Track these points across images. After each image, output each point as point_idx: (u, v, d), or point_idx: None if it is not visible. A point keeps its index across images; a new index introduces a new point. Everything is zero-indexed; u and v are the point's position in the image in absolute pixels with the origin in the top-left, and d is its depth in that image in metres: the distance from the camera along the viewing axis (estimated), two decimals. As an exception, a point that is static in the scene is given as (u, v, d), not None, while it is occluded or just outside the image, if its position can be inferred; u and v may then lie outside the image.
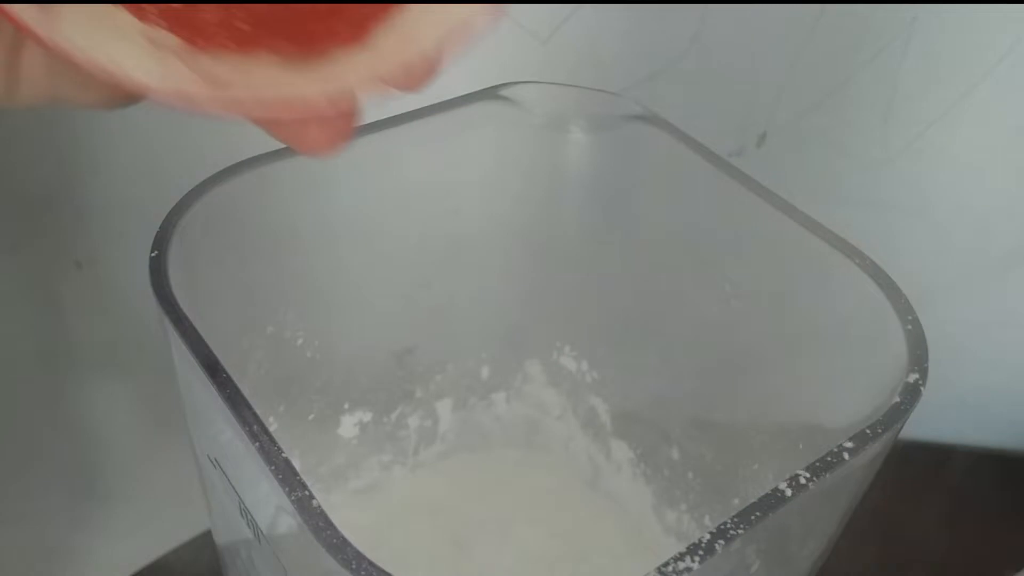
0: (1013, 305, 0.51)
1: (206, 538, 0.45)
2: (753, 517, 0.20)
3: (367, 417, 0.37)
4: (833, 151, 0.46)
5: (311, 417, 0.35)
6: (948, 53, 0.42)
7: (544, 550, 0.36)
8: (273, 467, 0.20)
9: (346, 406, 0.36)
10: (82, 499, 0.48)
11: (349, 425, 0.37)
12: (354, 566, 0.18)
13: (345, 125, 0.16)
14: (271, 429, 0.20)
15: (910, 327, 0.24)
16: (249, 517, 0.24)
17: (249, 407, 0.21)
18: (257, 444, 0.20)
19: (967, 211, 0.47)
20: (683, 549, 0.19)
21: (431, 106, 0.31)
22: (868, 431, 0.22)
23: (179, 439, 0.49)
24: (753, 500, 0.20)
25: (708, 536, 0.19)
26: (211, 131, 0.38)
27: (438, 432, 0.40)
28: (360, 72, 0.15)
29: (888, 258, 0.27)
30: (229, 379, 0.22)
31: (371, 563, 0.18)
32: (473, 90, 0.31)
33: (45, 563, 0.49)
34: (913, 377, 0.23)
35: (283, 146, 0.28)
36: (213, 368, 0.22)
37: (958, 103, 0.44)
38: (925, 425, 0.54)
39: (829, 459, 0.21)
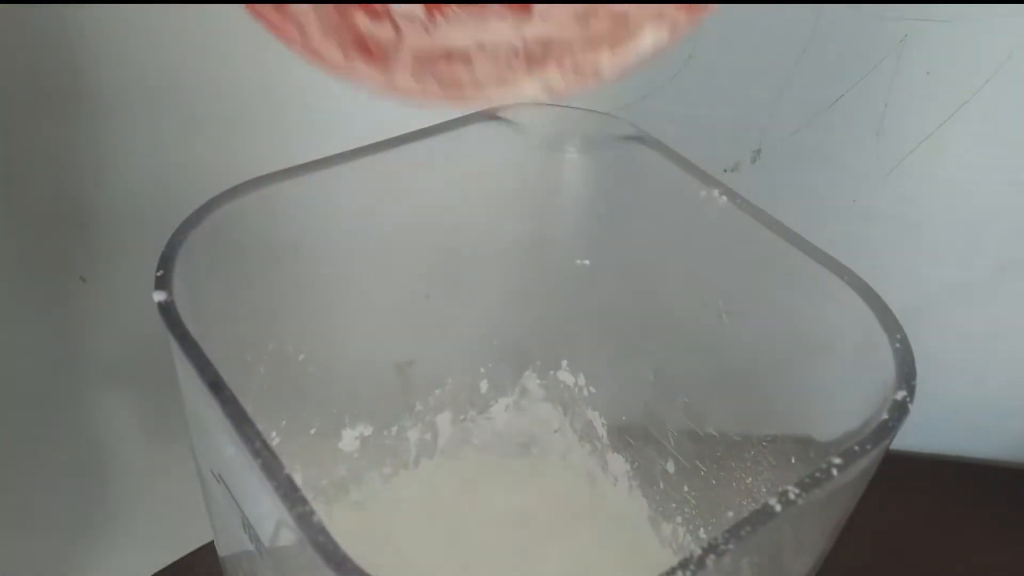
0: (1005, 316, 0.51)
1: (209, 550, 0.45)
2: (743, 532, 0.21)
3: (368, 431, 0.37)
4: (827, 166, 0.47)
5: (312, 431, 0.35)
6: (939, 70, 0.43)
7: (542, 560, 0.36)
8: (275, 483, 0.20)
9: (347, 420, 0.37)
10: (87, 511, 0.49)
11: (350, 439, 0.37)
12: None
13: None
14: (274, 443, 0.21)
15: (898, 345, 0.25)
16: (251, 531, 0.24)
17: (252, 424, 0.21)
18: (260, 461, 0.21)
19: (959, 224, 0.48)
20: (675, 563, 0.20)
21: (431, 127, 0.31)
22: (856, 447, 0.22)
23: (183, 452, 0.49)
24: (745, 514, 0.21)
25: (700, 550, 0.20)
26: (214, 147, 0.38)
27: (438, 445, 0.40)
28: None
29: (882, 271, 0.28)
30: (232, 397, 0.22)
31: (371, 577, 0.19)
32: (474, 110, 0.32)
33: (51, 572, 0.49)
34: (901, 395, 0.24)
35: (286, 166, 0.29)
36: (217, 386, 0.22)
37: (949, 119, 0.44)
38: (917, 436, 0.55)
39: (818, 475, 0.22)
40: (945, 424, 0.55)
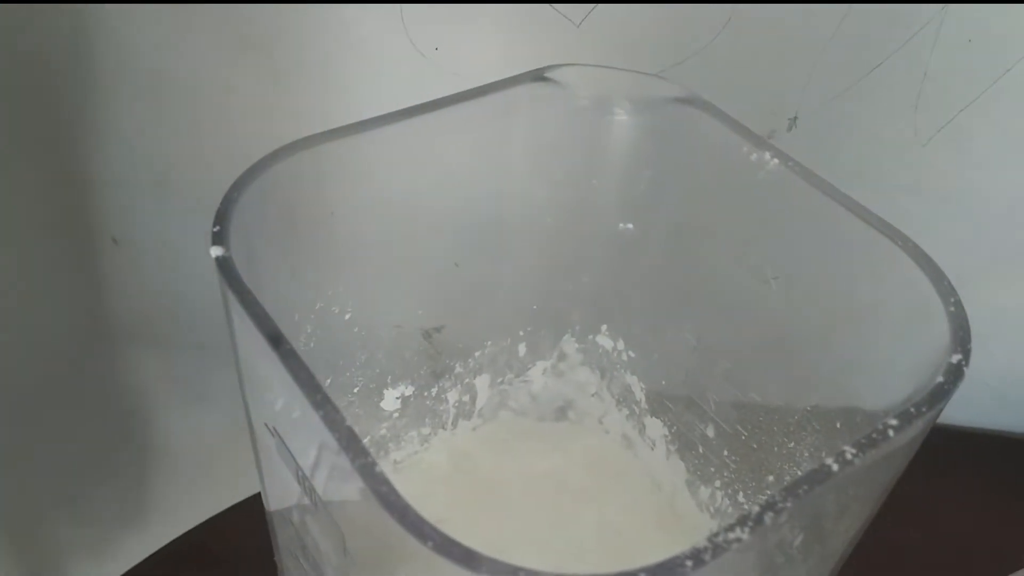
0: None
1: (240, 509, 0.45)
2: (801, 491, 0.21)
3: (409, 391, 0.38)
4: (863, 136, 0.46)
5: (356, 390, 0.35)
6: (979, 39, 0.42)
7: (577, 522, 0.37)
8: (337, 434, 0.21)
9: (389, 380, 0.37)
10: (116, 469, 0.49)
11: (391, 399, 0.37)
12: (418, 530, 0.19)
13: None
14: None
15: (953, 309, 0.25)
16: (307, 484, 0.24)
17: (312, 377, 0.22)
18: (321, 412, 0.21)
19: (996, 197, 0.48)
20: (735, 519, 0.20)
21: (477, 88, 0.31)
22: (912, 409, 0.22)
23: (212, 410, 0.50)
24: (790, 477, 0.21)
25: (758, 508, 0.20)
26: (243, 116, 0.39)
27: (476, 406, 0.40)
28: None
29: (917, 243, 0.27)
30: (292, 350, 0.22)
31: (433, 527, 0.19)
32: (508, 71, 0.32)
33: (82, 530, 0.50)
34: (956, 358, 0.24)
35: (332, 127, 0.29)
36: (276, 339, 0.23)
37: (988, 89, 0.44)
38: (949, 409, 0.55)
39: (874, 436, 0.22)
40: (977, 398, 0.55)
